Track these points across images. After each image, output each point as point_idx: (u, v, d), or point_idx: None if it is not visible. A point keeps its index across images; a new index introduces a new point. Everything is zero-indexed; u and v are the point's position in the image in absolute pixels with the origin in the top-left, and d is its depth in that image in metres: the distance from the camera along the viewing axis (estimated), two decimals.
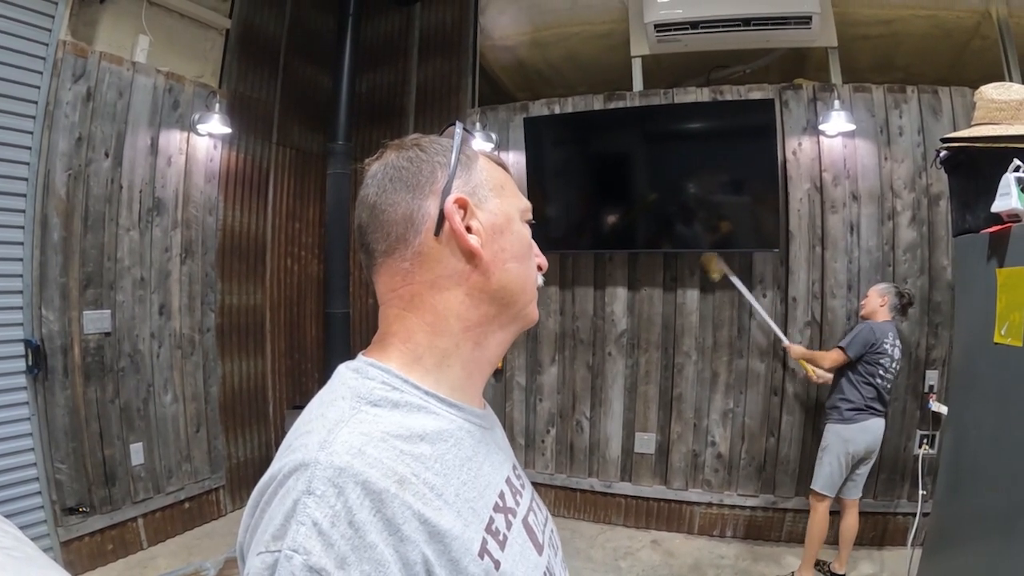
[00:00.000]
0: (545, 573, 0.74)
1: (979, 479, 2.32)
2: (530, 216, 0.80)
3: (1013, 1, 4.18)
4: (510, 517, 0.72)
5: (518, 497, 0.77)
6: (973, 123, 2.42)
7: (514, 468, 0.82)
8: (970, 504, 2.38)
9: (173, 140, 3.89)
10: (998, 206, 2.07)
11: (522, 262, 0.76)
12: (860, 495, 3.52)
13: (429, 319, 0.73)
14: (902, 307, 3.52)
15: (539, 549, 0.75)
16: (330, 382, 0.72)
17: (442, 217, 0.71)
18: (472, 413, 0.74)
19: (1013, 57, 4.12)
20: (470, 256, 0.72)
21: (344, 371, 0.73)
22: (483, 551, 0.63)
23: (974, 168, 2.32)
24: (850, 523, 3.53)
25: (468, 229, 0.72)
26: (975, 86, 4.07)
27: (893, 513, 3.85)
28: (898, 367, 3.44)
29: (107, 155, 3.55)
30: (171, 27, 3.89)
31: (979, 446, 2.31)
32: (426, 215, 0.72)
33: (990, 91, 2.39)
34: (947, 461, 2.64)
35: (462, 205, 0.73)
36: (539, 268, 0.80)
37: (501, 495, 0.72)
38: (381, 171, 0.75)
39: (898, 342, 3.44)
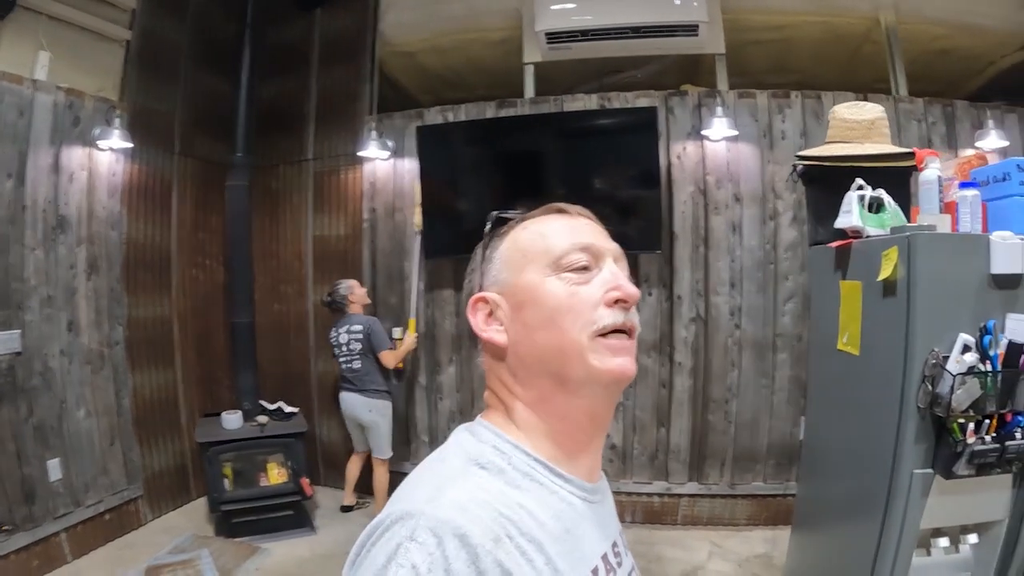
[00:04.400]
0: None
1: (827, 468, 2.84)
2: (573, 259, 0.82)
3: (901, 8, 4.81)
4: None
5: (611, 575, 0.82)
6: (827, 140, 2.86)
7: (614, 546, 0.86)
8: (822, 489, 2.92)
9: (75, 157, 4.18)
10: (841, 222, 2.51)
11: (551, 327, 0.79)
12: (376, 456, 4.67)
13: (507, 402, 0.84)
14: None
15: None
16: (448, 440, 0.86)
17: None
18: (580, 486, 0.81)
19: (899, 61, 4.76)
20: (495, 346, 0.84)
21: (461, 431, 0.85)
22: None
23: (827, 183, 2.72)
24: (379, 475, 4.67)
25: (495, 318, 0.84)
26: (868, 88, 4.80)
27: (783, 495, 4.44)
28: (349, 348, 4.58)
29: (10, 176, 3.80)
30: (72, 41, 4.15)
31: (827, 440, 2.83)
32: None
33: (843, 111, 2.83)
34: (806, 448, 3.18)
35: (476, 302, 0.86)
36: (613, 303, 0.81)
37: (595, 570, 0.78)
38: None
39: (350, 328, 4.59)
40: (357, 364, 4.58)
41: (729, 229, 4.55)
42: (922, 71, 5.04)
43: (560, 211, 0.88)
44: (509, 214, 0.92)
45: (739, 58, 4.90)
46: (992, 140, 4.30)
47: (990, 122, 4.36)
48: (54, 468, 4.06)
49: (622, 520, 3.90)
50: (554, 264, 0.81)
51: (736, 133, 4.48)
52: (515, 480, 0.75)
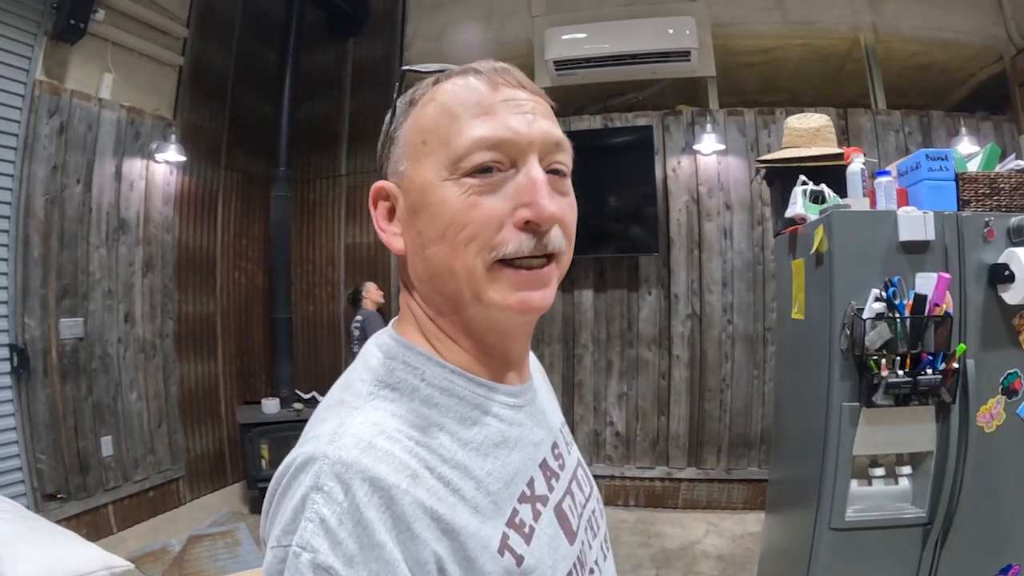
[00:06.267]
0: (575, 564, 0.73)
1: (788, 447, 3.12)
2: (476, 160, 0.64)
3: (879, 28, 5.23)
4: (539, 506, 0.70)
5: (553, 481, 0.75)
6: (782, 146, 3.24)
7: (554, 447, 0.79)
8: (785, 471, 3.19)
9: (135, 167, 4.67)
10: (789, 212, 2.88)
11: (443, 243, 0.65)
12: None
13: (413, 310, 0.73)
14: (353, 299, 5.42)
15: (571, 537, 0.74)
16: (358, 357, 0.73)
17: None
18: (507, 392, 0.73)
19: (877, 77, 5.18)
20: (396, 250, 0.72)
21: (371, 347, 0.73)
22: (503, 547, 0.63)
23: (783, 182, 3.10)
24: None
25: (396, 217, 0.71)
26: (852, 103, 5.20)
27: None
28: (352, 337, 5.19)
29: (79, 181, 4.29)
30: (132, 65, 4.66)
31: (787, 413, 3.12)
32: None
33: (793, 121, 3.23)
34: (775, 431, 3.48)
35: (377, 193, 0.72)
36: (523, 224, 0.64)
37: (530, 482, 0.71)
38: None
39: (354, 320, 5.22)
40: (356, 349, 5.03)
41: (720, 234, 4.96)
42: (907, 85, 5.38)
43: (479, 74, 0.70)
44: (424, 68, 0.74)
45: (731, 79, 5.30)
46: (965, 146, 4.57)
47: (963, 130, 4.72)
48: (107, 444, 4.45)
49: (624, 504, 4.75)
50: (452, 164, 0.65)
51: (724, 147, 4.92)
52: (431, 398, 0.67)
